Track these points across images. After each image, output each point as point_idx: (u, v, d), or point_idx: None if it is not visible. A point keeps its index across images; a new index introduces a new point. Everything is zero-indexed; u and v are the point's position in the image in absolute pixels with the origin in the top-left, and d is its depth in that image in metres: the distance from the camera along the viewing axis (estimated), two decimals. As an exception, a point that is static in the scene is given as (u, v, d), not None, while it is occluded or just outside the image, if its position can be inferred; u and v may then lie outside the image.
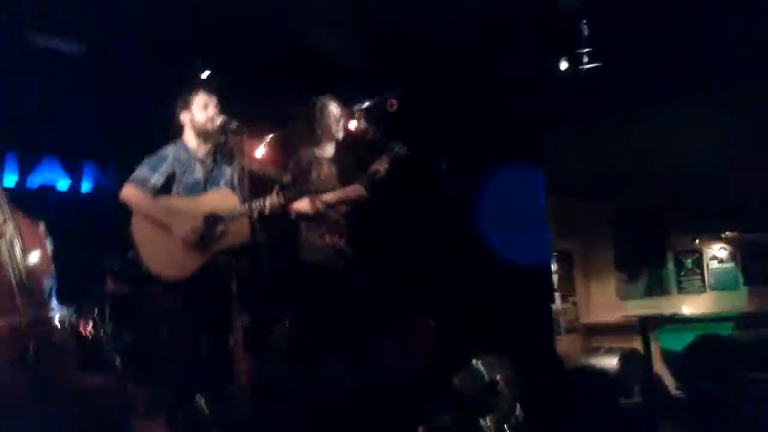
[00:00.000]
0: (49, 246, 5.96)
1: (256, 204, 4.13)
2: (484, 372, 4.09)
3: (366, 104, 6.40)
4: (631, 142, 6.69)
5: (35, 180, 7.23)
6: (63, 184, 7.42)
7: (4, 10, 4.82)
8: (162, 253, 4.06)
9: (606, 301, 8.46)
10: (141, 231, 4.12)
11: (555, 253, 8.05)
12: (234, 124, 4.16)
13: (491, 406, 4.06)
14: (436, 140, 6.05)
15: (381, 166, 4.90)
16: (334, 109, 5.09)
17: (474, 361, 4.08)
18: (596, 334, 8.47)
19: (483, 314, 5.80)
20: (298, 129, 5.45)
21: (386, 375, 5.42)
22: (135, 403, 5.34)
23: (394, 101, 6.22)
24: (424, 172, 5.38)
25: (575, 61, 5.27)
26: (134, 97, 6.08)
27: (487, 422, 3.99)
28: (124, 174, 7.35)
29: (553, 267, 7.96)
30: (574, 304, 8.64)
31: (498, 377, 4.06)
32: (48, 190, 7.28)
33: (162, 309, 4.18)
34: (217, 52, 5.55)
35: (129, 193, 4.17)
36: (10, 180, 7.01)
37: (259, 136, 6.77)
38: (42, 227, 5.94)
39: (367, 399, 4.26)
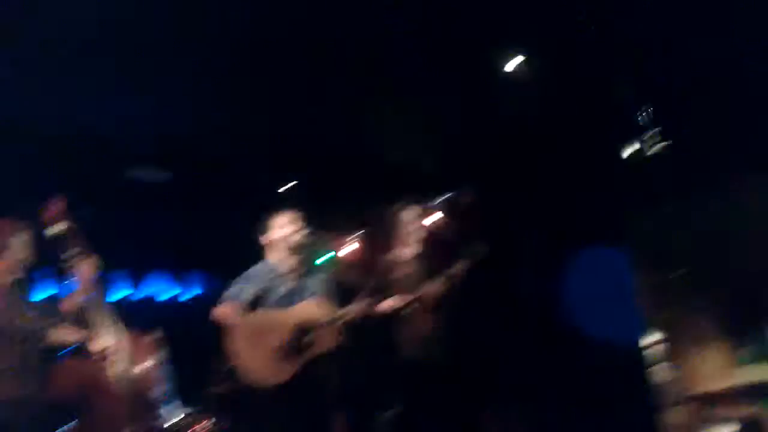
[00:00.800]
0: (159, 356, 6.41)
1: (345, 310, 4.39)
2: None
3: (442, 199, 6.62)
4: (716, 211, 6.61)
5: (144, 292, 7.78)
6: (170, 294, 7.95)
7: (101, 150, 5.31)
8: (257, 365, 4.28)
9: (716, 369, 8.15)
10: (237, 345, 4.36)
11: (653, 326, 7.89)
12: (315, 237, 4.45)
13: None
14: (515, 232, 6.18)
15: (459, 266, 5.05)
16: (410, 213, 5.32)
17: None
18: (707, 403, 8.15)
19: (582, 400, 5.79)
20: (378, 235, 5.69)
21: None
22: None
23: (469, 194, 6.40)
24: (505, 265, 5.48)
25: (644, 142, 5.34)
26: (227, 214, 6.53)
27: None
28: (225, 281, 7.91)
29: (653, 339, 7.78)
30: (681, 374, 8.37)
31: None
32: (157, 300, 7.82)
33: (262, 415, 4.39)
34: (299, 169, 5.89)
35: (222, 310, 4.43)
36: (123, 293, 7.57)
37: (341, 244, 7.08)
38: (153, 338, 6.42)
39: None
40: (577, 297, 6.06)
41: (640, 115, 5.28)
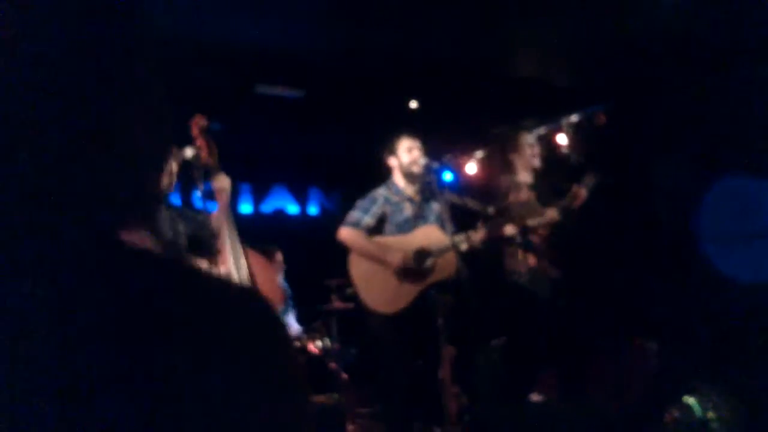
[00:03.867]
0: (281, 274, 6.54)
1: (463, 237, 4.31)
2: (698, 409, 3.89)
3: (573, 119, 6.34)
4: None
5: (267, 207, 7.93)
6: (292, 209, 8.06)
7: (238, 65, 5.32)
8: (377, 288, 4.32)
9: None
10: (357, 269, 4.41)
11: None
12: (437, 165, 4.36)
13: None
14: (646, 154, 5.84)
15: (578, 193, 4.84)
16: (528, 138, 5.15)
17: (685, 397, 3.89)
18: None
19: (704, 340, 5.51)
20: (500, 156, 5.52)
21: (602, 403, 5.35)
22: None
23: (602, 115, 6.09)
24: (633, 190, 5.20)
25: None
26: (350, 135, 6.49)
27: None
28: (346, 199, 7.96)
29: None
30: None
31: (711, 415, 3.86)
32: (279, 215, 7.96)
33: (378, 339, 4.42)
34: (419, 84, 5.74)
35: (345, 234, 4.45)
36: (246, 208, 7.74)
37: (461, 167, 6.94)
38: (279, 256, 6.53)
39: (581, 429, 4.25)
40: (711, 227, 5.70)
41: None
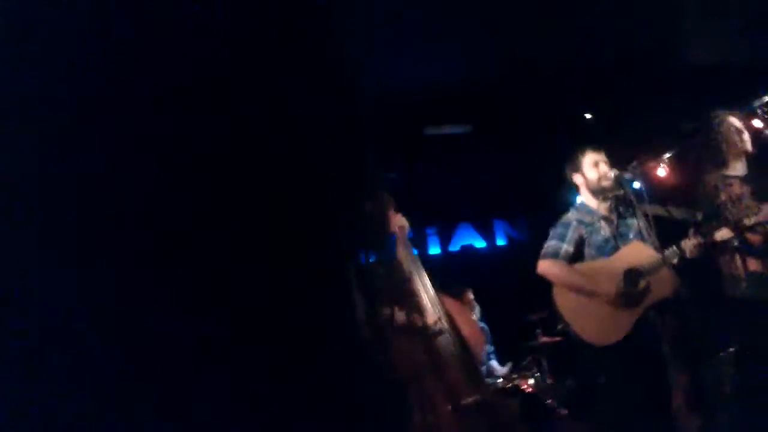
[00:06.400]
0: (477, 312, 6.35)
1: (674, 249, 3.93)
2: None
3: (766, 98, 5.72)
4: None
5: (455, 246, 7.81)
6: (479, 244, 7.89)
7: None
8: (590, 320, 3.99)
9: None
10: (565, 301, 4.10)
11: None
12: (628, 175, 4.03)
13: None
14: None
15: None
16: (735, 121, 4.62)
17: None
18: None
19: None
20: (698, 153, 5.04)
21: None
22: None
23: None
24: None
25: None
26: (524, 159, 6.25)
27: None
28: (533, 227, 7.69)
29: None
30: None
31: None
32: (467, 252, 7.80)
33: (600, 374, 4.12)
34: (589, 93, 5.43)
35: (545, 267, 4.17)
36: (435, 249, 7.66)
37: (651, 173, 6.47)
38: (470, 295, 6.37)
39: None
40: None
41: None
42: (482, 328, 6.12)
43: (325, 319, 0.72)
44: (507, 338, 5.85)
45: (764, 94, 5.77)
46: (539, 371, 6.23)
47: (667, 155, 6.70)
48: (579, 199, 4.33)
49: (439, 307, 4.06)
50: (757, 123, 5.64)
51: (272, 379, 0.64)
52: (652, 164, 6.66)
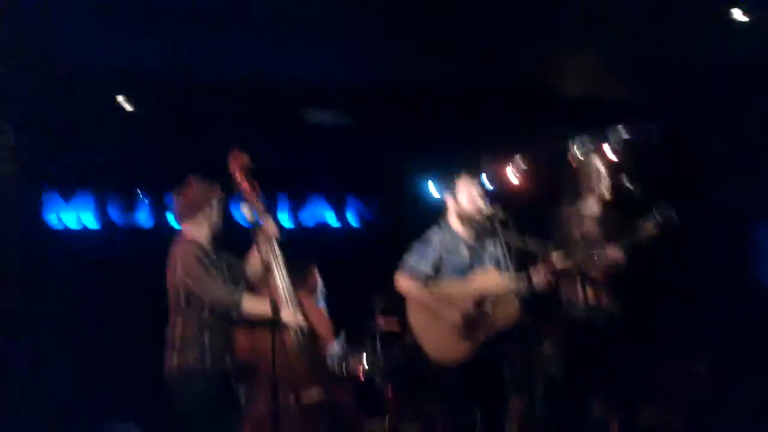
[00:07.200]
0: (321, 290, 6.40)
1: (523, 278, 4.16)
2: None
3: (625, 136, 6.11)
4: None
5: (305, 217, 7.82)
6: (331, 220, 7.95)
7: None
8: (437, 338, 4.21)
9: None
10: (416, 318, 4.30)
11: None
12: (502, 215, 4.20)
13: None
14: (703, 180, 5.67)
15: (647, 231, 4.58)
16: (598, 162, 4.90)
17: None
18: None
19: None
20: (557, 186, 5.32)
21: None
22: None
23: (656, 133, 5.89)
24: (694, 221, 5.01)
25: None
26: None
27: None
28: (386, 209, 7.82)
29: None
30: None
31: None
32: (317, 227, 7.85)
33: (441, 390, 4.35)
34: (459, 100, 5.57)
35: (403, 284, 4.35)
36: (284, 219, 7.62)
37: (501, 175, 6.76)
38: (315, 272, 6.40)
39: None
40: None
41: None
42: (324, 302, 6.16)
43: None
44: (347, 318, 5.95)
45: (616, 125, 6.15)
46: (374, 353, 6.41)
47: (519, 162, 6.99)
48: (445, 220, 4.47)
49: (294, 298, 4.13)
50: (609, 153, 6.01)
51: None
52: (502, 167, 6.92)
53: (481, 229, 4.39)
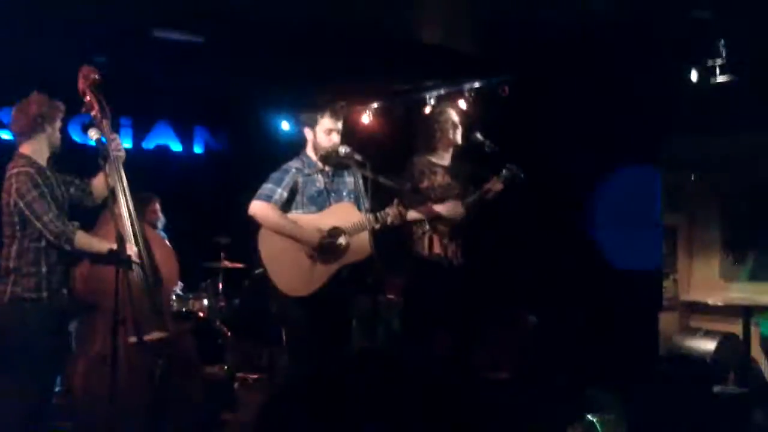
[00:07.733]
0: (161, 224, 6.17)
1: (378, 216, 4.23)
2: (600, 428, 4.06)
3: (477, 85, 6.25)
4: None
5: (149, 143, 7.46)
6: (176, 146, 7.62)
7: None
8: (288, 269, 4.19)
9: (708, 281, 8.15)
10: (268, 246, 4.24)
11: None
12: (357, 156, 4.21)
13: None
14: (548, 138, 5.91)
15: (494, 186, 4.85)
16: (453, 114, 5.00)
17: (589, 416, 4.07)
18: (695, 313, 8.21)
19: (591, 317, 5.82)
20: (412, 134, 5.38)
21: (485, 363, 5.57)
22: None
23: (506, 87, 6.05)
24: (536, 177, 5.22)
25: (707, 73, 4.97)
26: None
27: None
28: (234, 139, 7.61)
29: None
30: (675, 281, 8.39)
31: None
32: (161, 153, 7.49)
33: (290, 322, 4.36)
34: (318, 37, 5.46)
35: (257, 208, 4.25)
36: (127, 143, 7.22)
37: (356, 118, 6.73)
38: (156, 205, 6.14)
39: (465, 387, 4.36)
40: (603, 214, 5.93)
41: (710, 42, 4.89)
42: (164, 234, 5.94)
43: None
44: (189, 256, 5.78)
45: (474, 80, 6.28)
46: (214, 294, 6.30)
47: (372, 107, 7.01)
48: (303, 150, 4.42)
49: (139, 235, 3.96)
50: (463, 104, 6.13)
51: None
52: (357, 110, 6.92)
53: (339, 165, 4.38)
